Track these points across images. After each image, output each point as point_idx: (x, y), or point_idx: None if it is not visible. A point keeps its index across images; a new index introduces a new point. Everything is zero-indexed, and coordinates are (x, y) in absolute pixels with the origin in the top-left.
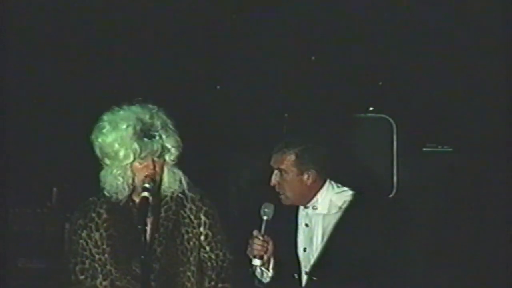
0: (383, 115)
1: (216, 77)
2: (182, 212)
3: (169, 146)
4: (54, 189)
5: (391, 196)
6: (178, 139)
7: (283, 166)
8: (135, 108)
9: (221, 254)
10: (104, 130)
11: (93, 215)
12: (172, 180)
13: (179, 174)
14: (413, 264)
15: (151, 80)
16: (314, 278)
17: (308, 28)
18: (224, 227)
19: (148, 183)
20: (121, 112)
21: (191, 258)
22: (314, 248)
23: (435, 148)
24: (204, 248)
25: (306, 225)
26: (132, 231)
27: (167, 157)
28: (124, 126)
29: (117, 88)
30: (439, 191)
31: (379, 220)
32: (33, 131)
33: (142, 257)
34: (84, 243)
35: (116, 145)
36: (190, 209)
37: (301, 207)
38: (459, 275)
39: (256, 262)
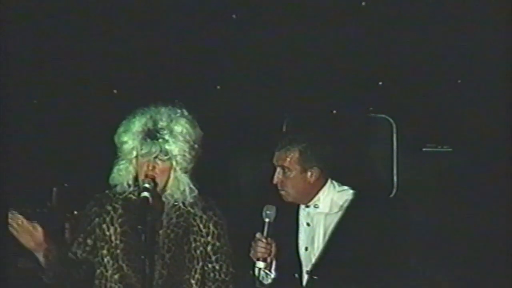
0: (383, 115)
1: (216, 77)
2: (192, 220)
3: (174, 152)
4: (54, 189)
5: (391, 196)
6: (187, 149)
7: (286, 164)
8: (161, 109)
9: (224, 266)
10: (124, 121)
11: (109, 208)
12: (174, 188)
13: (185, 183)
14: (413, 264)
15: (150, 80)
16: (315, 278)
17: (308, 28)
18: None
19: (148, 183)
20: (146, 109)
21: (197, 267)
22: (316, 247)
23: (435, 148)
24: (210, 258)
25: (308, 224)
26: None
27: (174, 163)
28: (136, 121)
29: (117, 89)
30: (439, 191)
31: (380, 219)
32: (34, 130)
33: (143, 257)
34: (92, 231)
35: (124, 138)
36: (201, 217)
37: (302, 206)
38: (459, 274)
39: (260, 264)
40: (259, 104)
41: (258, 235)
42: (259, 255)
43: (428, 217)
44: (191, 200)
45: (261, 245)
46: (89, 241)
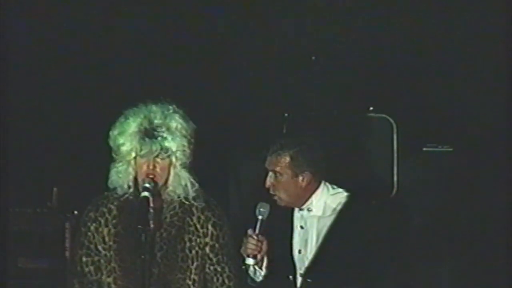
0: (383, 115)
1: (216, 77)
2: (188, 219)
3: (174, 149)
4: (54, 189)
5: (391, 195)
6: (186, 144)
7: (277, 168)
8: (152, 107)
9: (226, 268)
10: (116, 124)
11: (104, 210)
12: (176, 184)
13: (186, 179)
14: (411, 265)
15: (151, 81)
16: (309, 280)
17: (309, 28)
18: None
19: (148, 183)
20: (137, 109)
21: (192, 267)
22: (308, 250)
23: (435, 148)
24: (211, 260)
25: (301, 227)
26: (138, 231)
27: (173, 160)
28: (131, 122)
29: (117, 89)
30: (439, 191)
31: (373, 222)
32: (34, 130)
33: (143, 257)
34: (91, 236)
35: (120, 140)
36: (198, 218)
37: (296, 209)
38: (459, 275)
39: (250, 261)
40: (259, 103)
41: (249, 231)
42: (249, 251)
43: (428, 217)
44: (194, 194)
45: (252, 242)
46: (92, 255)
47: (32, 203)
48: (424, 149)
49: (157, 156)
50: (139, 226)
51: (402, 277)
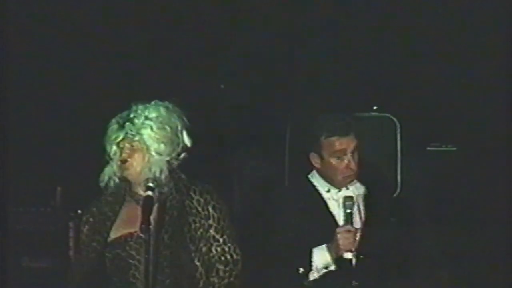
0: (387, 114)
1: (219, 77)
2: (189, 202)
3: (141, 132)
4: (58, 188)
5: (395, 195)
6: (156, 130)
7: (356, 145)
8: (148, 103)
9: (232, 247)
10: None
11: (102, 203)
12: (146, 170)
13: (156, 166)
14: (415, 264)
15: (153, 80)
16: (361, 257)
17: (309, 27)
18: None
19: (152, 182)
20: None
21: (200, 247)
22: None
23: (439, 147)
24: (218, 241)
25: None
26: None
27: (146, 145)
28: (113, 119)
29: (119, 88)
30: (443, 190)
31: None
32: (37, 129)
33: (146, 256)
34: (88, 232)
35: (105, 138)
36: (198, 201)
37: (334, 191)
38: (461, 275)
39: (349, 255)
40: (261, 102)
41: (348, 226)
42: (350, 246)
43: (431, 216)
44: (164, 182)
45: (350, 236)
46: (90, 251)
47: (36, 203)
48: (428, 148)
49: (124, 139)
50: (142, 225)
51: (406, 274)
